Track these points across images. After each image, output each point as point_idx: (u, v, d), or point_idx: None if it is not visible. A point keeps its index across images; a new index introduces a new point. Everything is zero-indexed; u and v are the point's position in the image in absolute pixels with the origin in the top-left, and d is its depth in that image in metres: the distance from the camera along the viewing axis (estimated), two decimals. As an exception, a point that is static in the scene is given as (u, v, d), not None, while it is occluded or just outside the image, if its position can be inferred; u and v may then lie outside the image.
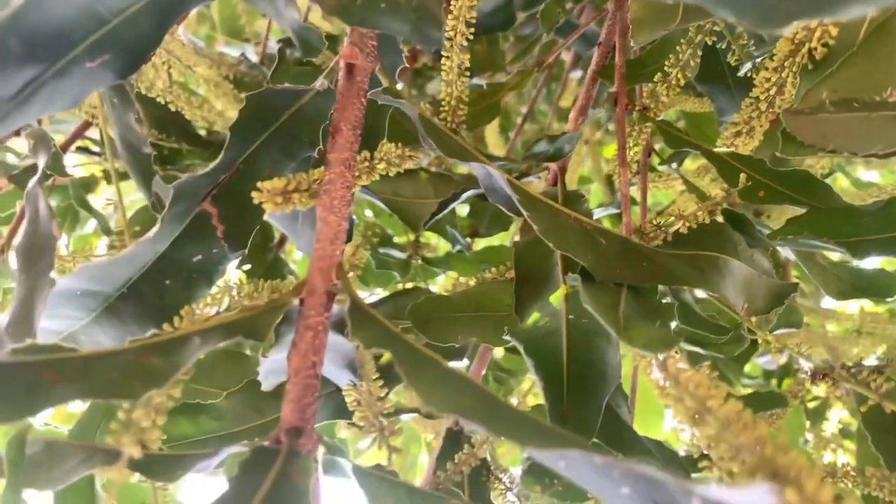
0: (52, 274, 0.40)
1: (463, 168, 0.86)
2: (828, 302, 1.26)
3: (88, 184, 1.06)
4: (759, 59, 0.62)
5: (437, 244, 1.02)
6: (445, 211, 0.68)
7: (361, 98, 0.38)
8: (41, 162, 0.41)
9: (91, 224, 1.13)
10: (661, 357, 0.36)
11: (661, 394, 0.34)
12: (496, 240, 1.00)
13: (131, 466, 0.36)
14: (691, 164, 1.05)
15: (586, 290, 0.41)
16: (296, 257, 1.19)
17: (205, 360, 0.54)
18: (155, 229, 0.40)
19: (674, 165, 0.77)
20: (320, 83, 0.40)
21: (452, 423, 0.65)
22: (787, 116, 0.43)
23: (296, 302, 0.37)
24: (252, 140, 0.40)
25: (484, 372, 0.67)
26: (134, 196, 1.07)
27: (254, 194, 0.35)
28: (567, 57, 1.16)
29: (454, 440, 0.65)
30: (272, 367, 0.47)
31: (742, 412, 0.28)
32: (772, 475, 0.23)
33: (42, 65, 0.32)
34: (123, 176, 0.92)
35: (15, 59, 0.30)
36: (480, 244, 0.91)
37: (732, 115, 0.66)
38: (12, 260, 0.69)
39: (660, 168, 0.80)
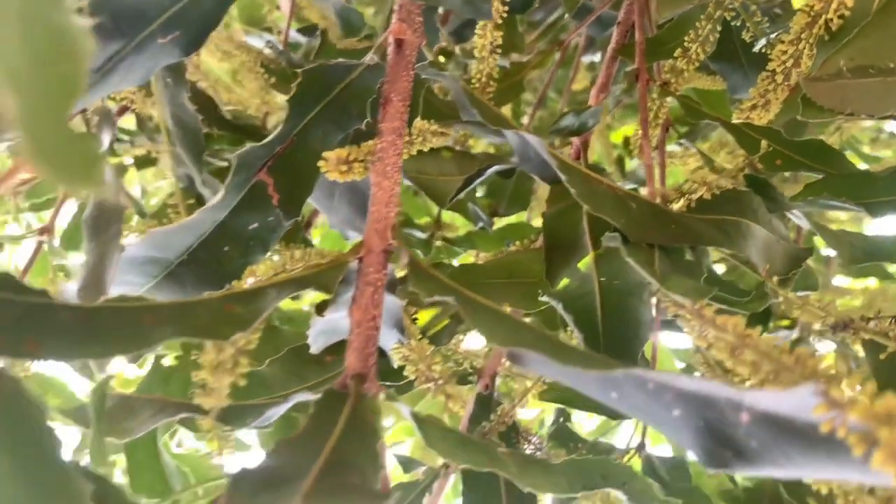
0: (121, 241, 0.42)
1: (483, 146, 0.89)
2: (837, 281, 1.30)
3: (117, 171, 1.09)
4: (772, 36, 0.65)
5: (453, 224, 1.05)
6: (471, 186, 0.70)
7: (410, 71, 0.41)
8: (106, 137, 0.43)
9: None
10: (696, 306, 0.39)
11: (698, 338, 0.37)
12: (513, 219, 1.03)
13: (235, 414, 0.39)
14: (700, 144, 1.08)
15: (625, 249, 0.43)
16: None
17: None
18: (217, 198, 0.42)
19: (684, 142, 0.80)
20: (369, 58, 0.43)
21: (482, 388, 0.68)
22: (808, 83, 0.45)
23: (354, 262, 0.40)
24: (306, 113, 0.43)
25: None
26: (159, 183, 1.10)
27: (319, 163, 0.38)
28: (579, 41, 1.18)
29: (484, 405, 0.68)
30: (322, 328, 0.50)
31: (776, 344, 0.30)
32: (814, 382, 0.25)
33: (123, 40, 0.34)
34: (151, 162, 0.95)
35: (105, 34, 0.33)
36: (500, 223, 0.93)
37: (745, 92, 0.68)
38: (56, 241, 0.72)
39: (674, 145, 0.83)
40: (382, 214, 0.40)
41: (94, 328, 0.28)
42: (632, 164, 1.28)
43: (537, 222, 1.06)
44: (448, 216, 0.99)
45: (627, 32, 0.66)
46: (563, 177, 0.43)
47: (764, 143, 0.51)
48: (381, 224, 0.39)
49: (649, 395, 0.30)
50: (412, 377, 0.45)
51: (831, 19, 0.48)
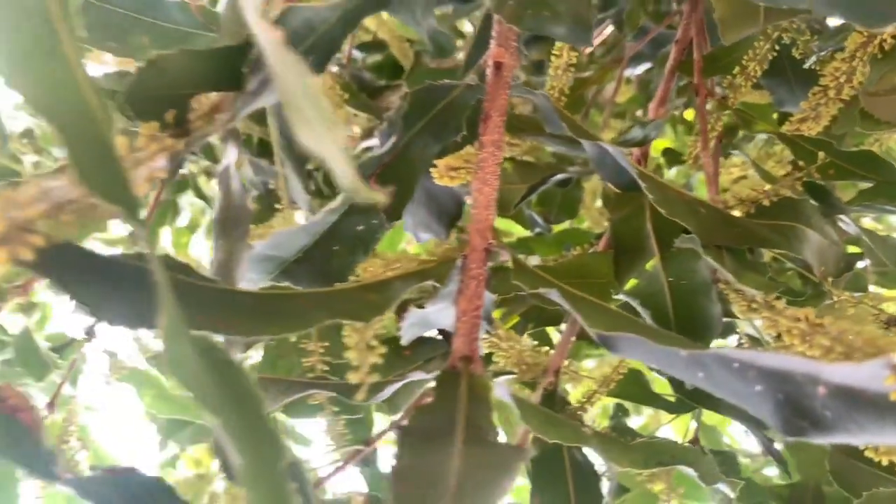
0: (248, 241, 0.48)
1: (545, 157, 0.94)
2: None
3: (182, 183, 1.16)
4: (821, 53, 0.69)
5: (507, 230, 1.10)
6: (533, 195, 0.76)
7: (507, 90, 0.46)
8: (232, 152, 0.49)
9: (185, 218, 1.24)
10: (765, 299, 0.43)
11: (769, 326, 0.41)
12: (562, 226, 1.08)
13: (333, 389, 0.44)
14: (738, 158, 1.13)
15: (696, 248, 0.48)
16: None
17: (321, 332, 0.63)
18: (337, 202, 0.48)
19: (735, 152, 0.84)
20: (470, 78, 0.48)
21: (547, 384, 0.73)
22: (866, 98, 0.50)
23: (458, 260, 0.45)
24: (412, 127, 0.48)
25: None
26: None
27: (432, 171, 0.43)
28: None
29: (549, 399, 0.72)
30: (414, 321, 0.55)
31: (846, 327, 0.35)
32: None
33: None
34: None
35: (258, 65, 0.38)
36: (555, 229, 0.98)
37: (791, 105, 0.73)
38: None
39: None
40: (483, 217, 0.45)
41: (268, 311, 0.34)
42: (669, 173, 1.33)
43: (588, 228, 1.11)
44: (502, 223, 1.04)
45: (684, 50, 0.71)
46: (642, 184, 0.48)
47: (822, 154, 0.55)
48: (483, 225, 0.45)
49: (734, 373, 0.35)
50: (501, 363, 0.50)
51: (885, 40, 0.52)
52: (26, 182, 0.26)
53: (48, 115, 0.25)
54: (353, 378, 0.36)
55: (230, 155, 0.51)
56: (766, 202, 0.56)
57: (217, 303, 0.32)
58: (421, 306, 0.52)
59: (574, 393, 0.75)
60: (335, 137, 0.18)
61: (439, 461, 0.26)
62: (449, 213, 0.64)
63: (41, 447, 0.30)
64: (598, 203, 1.20)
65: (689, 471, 0.50)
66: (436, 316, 0.50)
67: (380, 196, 0.23)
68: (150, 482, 0.35)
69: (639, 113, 1.41)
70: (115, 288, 0.28)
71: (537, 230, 0.90)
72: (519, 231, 1.03)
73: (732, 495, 0.59)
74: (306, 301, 0.36)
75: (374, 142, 1.03)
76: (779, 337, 0.41)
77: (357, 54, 1.09)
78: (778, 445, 0.79)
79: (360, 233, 0.51)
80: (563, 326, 0.76)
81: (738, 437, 1.51)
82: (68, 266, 0.27)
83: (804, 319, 0.37)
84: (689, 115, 1.25)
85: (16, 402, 0.30)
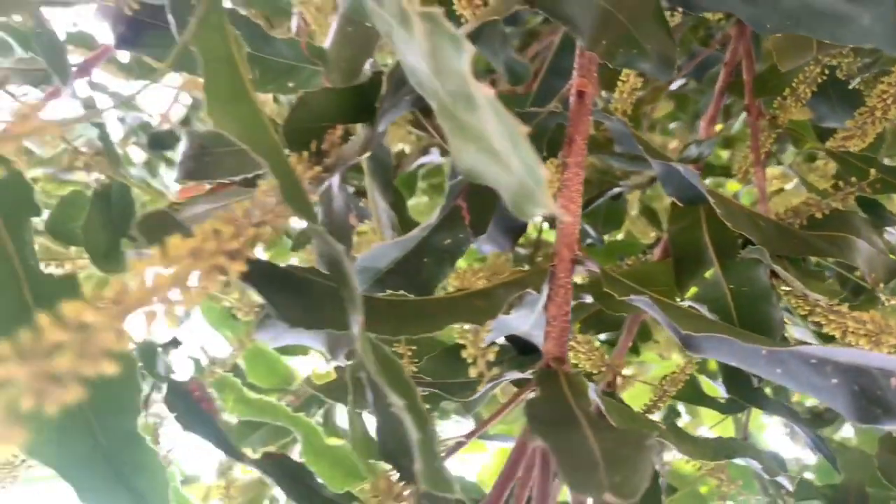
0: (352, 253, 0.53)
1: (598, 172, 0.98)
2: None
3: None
4: (865, 75, 0.74)
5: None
6: (588, 209, 0.81)
7: (589, 116, 0.51)
8: (339, 174, 0.55)
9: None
10: (828, 304, 0.48)
11: (834, 328, 0.46)
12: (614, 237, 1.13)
13: (442, 389, 0.49)
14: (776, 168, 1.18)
15: (762, 259, 0.53)
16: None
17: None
18: (433, 219, 0.53)
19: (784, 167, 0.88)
20: (553, 105, 0.53)
21: (605, 386, 0.77)
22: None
23: (547, 271, 0.50)
24: (500, 150, 0.53)
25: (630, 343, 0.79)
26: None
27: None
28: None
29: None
30: (494, 326, 0.60)
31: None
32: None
33: (399, 96, 0.46)
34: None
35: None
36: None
37: (832, 122, 0.77)
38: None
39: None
40: (570, 231, 0.50)
41: (401, 314, 0.39)
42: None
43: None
44: (551, 234, 1.09)
45: (733, 71, 0.76)
46: (711, 200, 0.53)
47: (873, 170, 0.60)
48: (570, 238, 0.50)
49: (811, 368, 0.39)
50: (579, 364, 0.55)
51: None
52: (233, 204, 0.31)
53: (252, 149, 0.31)
54: (472, 372, 0.41)
55: (334, 177, 0.56)
56: (818, 215, 0.61)
57: (365, 307, 0.37)
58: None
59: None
60: (534, 180, 0.23)
61: (579, 441, 0.31)
62: (515, 228, 0.69)
63: (220, 429, 0.35)
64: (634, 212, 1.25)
65: (754, 464, 0.54)
66: (517, 322, 0.55)
67: (558, 210, 0.28)
68: (296, 466, 0.40)
69: (672, 125, 1.46)
70: (295, 295, 0.33)
71: (589, 241, 0.94)
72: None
73: (791, 488, 0.63)
74: (433, 307, 0.41)
75: (429, 158, 1.08)
76: (843, 337, 0.45)
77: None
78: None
79: (447, 246, 0.56)
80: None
81: (770, 442, 1.56)
82: (263, 276, 0.32)
83: (871, 321, 0.41)
84: (718, 127, 1.30)
85: (200, 394, 0.35)
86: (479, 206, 0.55)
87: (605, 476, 0.27)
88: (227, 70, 0.33)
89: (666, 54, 0.43)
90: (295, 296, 0.33)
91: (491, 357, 0.42)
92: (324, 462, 0.75)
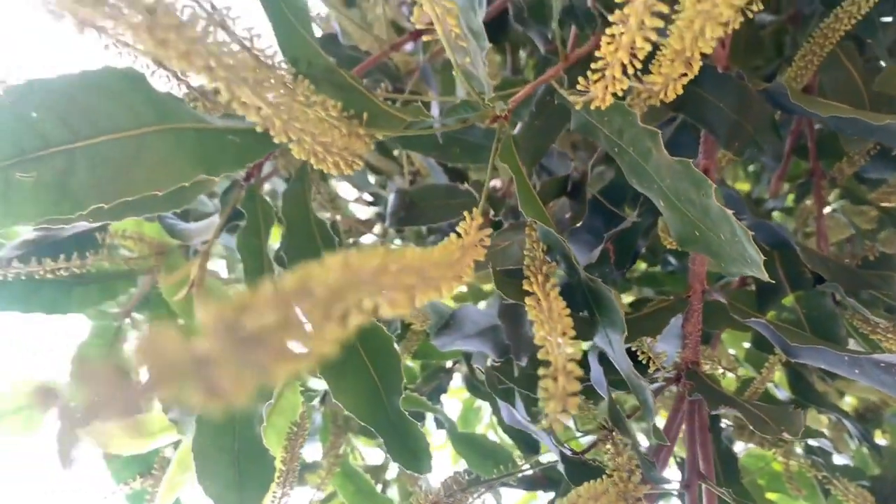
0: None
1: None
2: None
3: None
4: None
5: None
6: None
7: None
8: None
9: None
10: (887, 324, 0.67)
11: (892, 343, 0.65)
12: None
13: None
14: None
15: (837, 293, 0.72)
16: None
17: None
18: (588, 258, 0.72)
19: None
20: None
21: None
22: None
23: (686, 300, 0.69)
24: (646, 203, 0.73)
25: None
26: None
27: (661, 234, 0.68)
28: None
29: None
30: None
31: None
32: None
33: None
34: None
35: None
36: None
37: (871, 174, 0.97)
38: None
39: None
40: (699, 270, 0.69)
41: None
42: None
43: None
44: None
45: (797, 139, 0.95)
46: (796, 248, 0.72)
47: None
48: (700, 277, 0.69)
49: (881, 369, 0.58)
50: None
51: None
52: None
53: (539, 220, 0.51)
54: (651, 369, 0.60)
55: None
56: (871, 257, 0.80)
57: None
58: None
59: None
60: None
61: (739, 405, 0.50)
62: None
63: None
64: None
65: (825, 443, 0.73)
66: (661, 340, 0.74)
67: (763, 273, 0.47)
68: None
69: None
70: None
71: (670, 269, 1.14)
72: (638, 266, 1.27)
73: (850, 464, 0.82)
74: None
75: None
76: (898, 349, 0.64)
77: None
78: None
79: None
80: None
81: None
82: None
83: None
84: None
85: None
86: (622, 249, 0.75)
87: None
88: (523, 181, 0.53)
89: (777, 151, 0.63)
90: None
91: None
92: None
